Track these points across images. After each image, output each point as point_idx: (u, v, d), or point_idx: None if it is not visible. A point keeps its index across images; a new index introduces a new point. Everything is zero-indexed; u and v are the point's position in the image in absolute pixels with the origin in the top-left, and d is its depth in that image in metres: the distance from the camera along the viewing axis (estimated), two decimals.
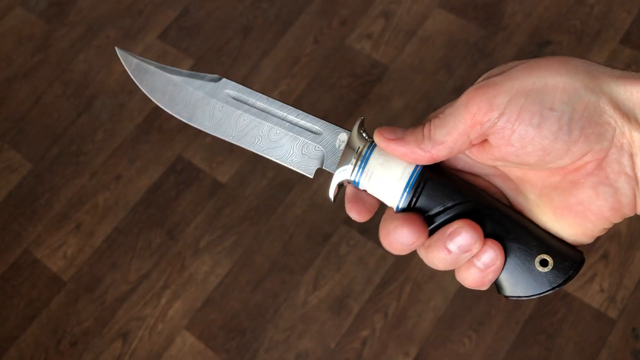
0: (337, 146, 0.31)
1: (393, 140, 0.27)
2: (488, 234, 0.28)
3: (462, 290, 0.99)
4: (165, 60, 1.22)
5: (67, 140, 1.16)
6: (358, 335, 0.98)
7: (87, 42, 1.26)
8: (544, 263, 0.28)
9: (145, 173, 1.12)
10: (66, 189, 1.12)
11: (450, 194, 0.29)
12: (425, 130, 0.27)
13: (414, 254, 0.99)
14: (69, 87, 1.21)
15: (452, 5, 1.22)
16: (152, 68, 0.34)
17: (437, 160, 0.28)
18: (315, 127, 0.32)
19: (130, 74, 0.35)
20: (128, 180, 1.12)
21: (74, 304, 1.04)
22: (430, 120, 0.27)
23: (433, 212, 0.29)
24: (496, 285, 0.30)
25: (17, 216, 1.11)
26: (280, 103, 0.32)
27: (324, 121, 0.32)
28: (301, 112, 0.32)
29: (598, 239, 1.01)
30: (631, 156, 0.24)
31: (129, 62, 0.35)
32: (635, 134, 0.24)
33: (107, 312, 1.03)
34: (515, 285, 0.29)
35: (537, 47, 1.16)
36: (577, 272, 0.29)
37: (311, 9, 1.24)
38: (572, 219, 0.28)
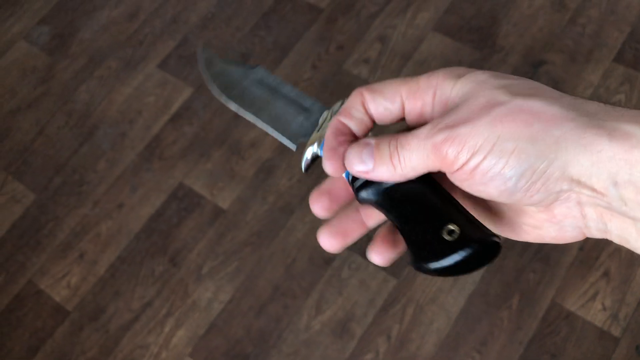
0: (319, 123, 0.33)
1: (366, 173, 0.28)
2: (402, 193, 0.29)
3: (465, 311, 0.99)
4: (165, 89, 1.24)
5: (70, 170, 1.18)
6: (362, 359, 0.98)
7: (89, 72, 1.28)
8: (450, 232, 0.27)
9: (147, 201, 1.13)
10: (69, 219, 1.13)
11: None
12: (395, 161, 0.28)
13: (417, 277, 0.98)
14: (71, 118, 1.23)
15: (446, 28, 1.24)
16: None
17: None
18: (309, 103, 0.34)
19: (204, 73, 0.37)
20: (130, 209, 1.13)
21: (78, 333, 1.04)
22: (397, 151, 0.28)
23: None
24: (410, 255, 0.30)
25: (21, 246, 1.12)
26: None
27: (318, 102, 0.34)
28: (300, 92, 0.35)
29: (598, 256, 1.01)
30: (579, 204, 0.25)
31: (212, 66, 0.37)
32: (584, 192, 0.24)
33: (111, 341, 1.03)
34: (421, 254, 0.28)
35: (532, 68, 1.17)
36: (489, 254, 0.27)
37: (308, 35, 1.26)
38: (511, 231, 0.30)
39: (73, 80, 1.27)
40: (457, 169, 0.26)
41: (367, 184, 0.29)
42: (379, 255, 0.31)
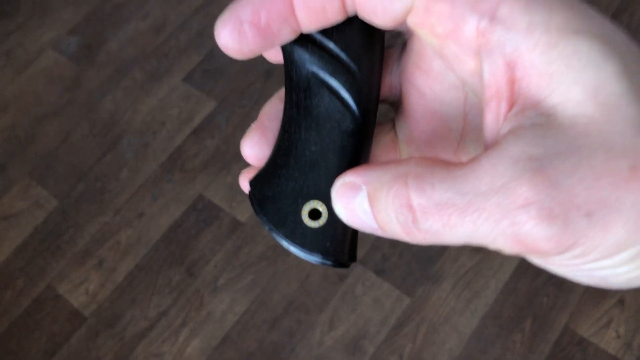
0: None
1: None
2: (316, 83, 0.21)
3: (478, 332, 1.00)
4: (189, 102, 1.26)
5: (93, 178, 1.20)
6: None
7: (114, 83, 1.31)
8: (314, 214, 0.21)
9: (167, 211, 1.15)
10: (90, 226, 1.15)
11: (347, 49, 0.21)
12: (412, 233, 0.17)
13: (431, 297, 0.99)
14: (95, 127, 1.26)
15: None
16: None
17: None
18: None
19: None
20: (150, 218, 1.15)
21: (94, 339, 1.06)
22: (415, 226, 0.17)
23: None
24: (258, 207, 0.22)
25: (42, 251, 1.14)
26: None
27: None
28: None
29: None
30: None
31: None
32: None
33: (126, 348, 1.04)
34: (275, 219, 0.22)
35: None
36: (344, 265, 0.22)
37: None
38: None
39: (99, 90, 1.30)
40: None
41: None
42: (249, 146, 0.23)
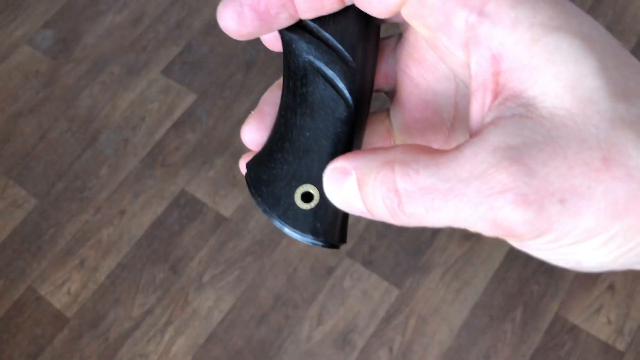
0: None
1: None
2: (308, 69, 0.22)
3: (468, 323, 0.98)
4: (168, 95, 1.23)
5: (72, 176, 1.17)
6: None
7: (92, 78, 1.27)
8: (307, 197, 0.22)
9: (149, 208, 1.13)
10: (70, 225, 1.13)
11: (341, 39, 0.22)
12: (397, 216, 0.18)
13: (420, 288, 0.97)
14: (74, 123, 1.23)
15: None
16: None
17: None
18: None
19: None
20: (132, 215, 1.12)
21: (77, 341, 1.03)
22: (400, 209, 0.18)
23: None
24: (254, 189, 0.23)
25: (22, 252, 1.11)
26: None
27: None
28: None
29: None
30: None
31: None
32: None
33: (110, 349, 1.02)
34: (270, 200, 0.22)
35: None
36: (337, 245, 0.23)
37: None
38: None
39: (76, 85, 1.27)
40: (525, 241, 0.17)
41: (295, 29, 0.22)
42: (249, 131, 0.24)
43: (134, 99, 1.24)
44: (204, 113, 1.21)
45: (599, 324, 0.96)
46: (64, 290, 1.07)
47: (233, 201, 1.11)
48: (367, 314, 1.01)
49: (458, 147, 0.17)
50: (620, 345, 0.94)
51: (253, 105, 1.20)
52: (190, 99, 1.22)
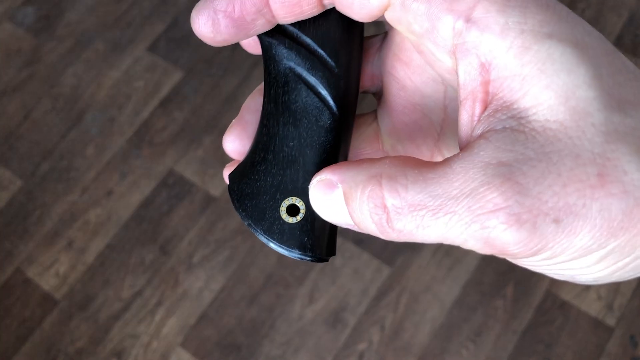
0: None
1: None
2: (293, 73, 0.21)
3: (459, 301, 0.99)
4: (155, 73, 1.21)
5: (58, 156, 1.15)
6: (355, 349, 0.97)
7: (76, 55, 1.24)
8: (292, 210, 0.21)
9: (136, 188, 1.11)
10: (57, 206, 1.11)
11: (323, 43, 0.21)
12: (385, 230, 0.18)
13: (411, 266, 0.97)
14: (58, 102, 1.20)
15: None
16: None
17: None
18: None
19: None
20: (119, 196, 1.11)
21: (67, 322, 1.03)
22: (388, 225, 0.17)
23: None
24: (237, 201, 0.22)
25: (8, 234, 1.10)
26: None
27: None
28: None
29: None
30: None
31: None
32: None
33: (100, 330, 1.02)
34: (254, 215, 0.22)
35: None
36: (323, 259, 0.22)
37: None
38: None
39: (60, 63, 1.24)
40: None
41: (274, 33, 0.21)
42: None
43: (119, 76, 1.22)
44: (192, 91, 1.19)
45: (589, 299, 0.97)
46: (52, 272, 1.06)
47: (222, 180, 1.10)
48: (359, 292, 1.01)
49: (447, 162, 0.16)
50: (610, 321, 0.95)
51: (241, 82, 1.18)
52: (177, 76, 1.20)
